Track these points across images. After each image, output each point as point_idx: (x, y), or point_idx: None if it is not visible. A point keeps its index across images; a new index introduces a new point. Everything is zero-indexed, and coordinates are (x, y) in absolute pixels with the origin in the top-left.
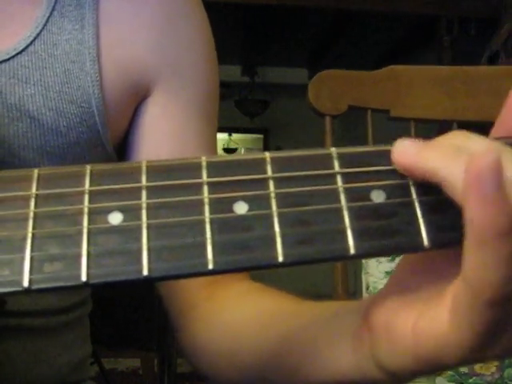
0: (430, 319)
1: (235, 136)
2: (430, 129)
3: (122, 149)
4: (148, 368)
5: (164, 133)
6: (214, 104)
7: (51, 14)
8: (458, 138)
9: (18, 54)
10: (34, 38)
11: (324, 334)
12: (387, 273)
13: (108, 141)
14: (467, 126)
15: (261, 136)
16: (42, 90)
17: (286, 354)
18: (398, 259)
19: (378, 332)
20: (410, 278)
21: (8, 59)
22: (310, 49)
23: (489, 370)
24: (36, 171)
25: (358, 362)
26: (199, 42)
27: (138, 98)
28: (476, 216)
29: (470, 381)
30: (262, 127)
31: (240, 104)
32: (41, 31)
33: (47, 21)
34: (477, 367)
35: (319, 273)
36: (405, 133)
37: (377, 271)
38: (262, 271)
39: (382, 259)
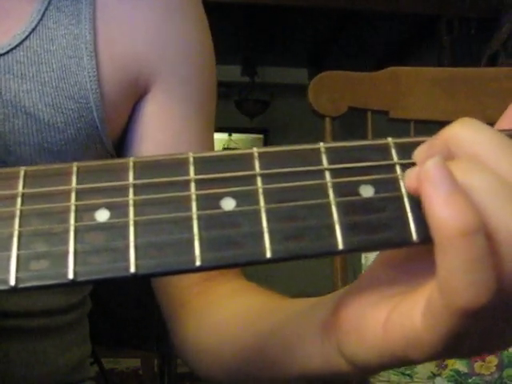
0: (403, 317)
1: (235, 136)
2: (430, 130)
3: (120, 146)
4: (148, 368)
5: (162, 130)
6: (211, 101)
7: (47, 8)
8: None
9: (12, 49)
10: (30, 33)
11: (298, 328)
12: None
13: (107, 137)
14: None
15: (261, 136)
16: (38, 85)
17: (264, 350)
18: None
19: (346, 327)
20: (384, 272)
21: (3, 54)
22: (310, 49)
23: (488, 370)
24: (23, 169)
25: (326, 355)
26: (197, 38)
27: (136, 94)
28: (432, 214)
29: (470, 381)
30: (262, 127)
31: (240, 104)
32: (36, 26)
33: (43, 15)
34: (476, 367)
35: (319, 273)
36: (405, 134)
37: None
38: (261, 272)
39: None
